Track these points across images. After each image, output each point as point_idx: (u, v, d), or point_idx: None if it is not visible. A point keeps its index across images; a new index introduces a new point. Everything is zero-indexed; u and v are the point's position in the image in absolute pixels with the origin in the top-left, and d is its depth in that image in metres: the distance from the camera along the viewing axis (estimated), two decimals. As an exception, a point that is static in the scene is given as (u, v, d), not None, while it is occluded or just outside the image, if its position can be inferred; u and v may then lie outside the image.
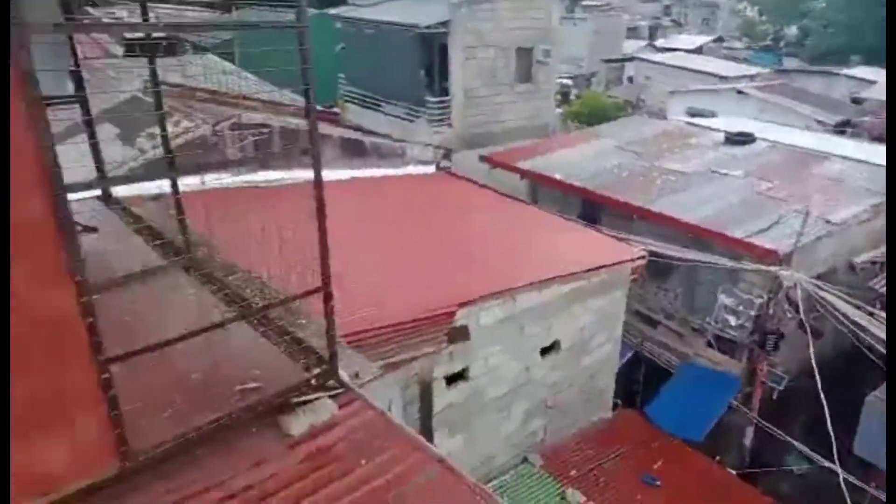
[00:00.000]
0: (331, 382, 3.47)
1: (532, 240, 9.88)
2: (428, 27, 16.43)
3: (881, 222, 12.67)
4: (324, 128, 15.14)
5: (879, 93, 27.53)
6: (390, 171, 12.74)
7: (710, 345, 11.52)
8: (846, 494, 8.61)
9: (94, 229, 4.14)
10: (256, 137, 10.46)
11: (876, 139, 21.12)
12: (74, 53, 4.50)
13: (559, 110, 25.09)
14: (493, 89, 17.91)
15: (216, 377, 3.31)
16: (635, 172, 14.29)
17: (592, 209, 13.68)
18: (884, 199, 12.83)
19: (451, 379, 7.63)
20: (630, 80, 37.23)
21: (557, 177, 14.07)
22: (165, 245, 4.37)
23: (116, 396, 2.62)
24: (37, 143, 2.28)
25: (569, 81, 33.91)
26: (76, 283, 2.44)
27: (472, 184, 12.59)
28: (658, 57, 36.17)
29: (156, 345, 2.83)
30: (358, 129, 15.70)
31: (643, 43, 45.69)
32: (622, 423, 10.10)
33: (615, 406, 10.49)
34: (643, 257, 9.89)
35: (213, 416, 3.05)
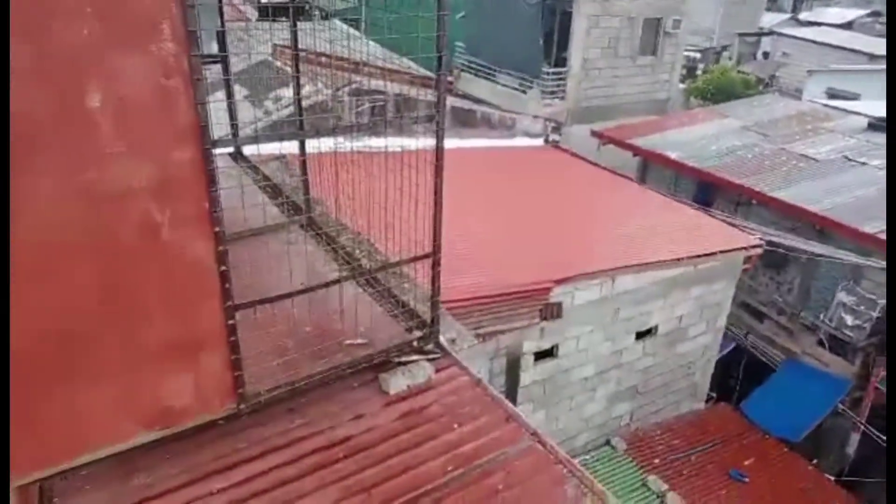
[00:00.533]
0: (430, 346, 3.66)
1: (638, 220, 9.62)
2: (550, -7, 16.12)
3: None
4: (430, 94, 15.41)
5: None
6: (498, 143, 12.82)
7: (821, 343, 10.77)
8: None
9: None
10: (373, 104, 10.88)
11: None
12: (221, 15, 4.89)
13: (682, 85, 23.77)
14: (612, 61, 17.31)
15: (324, 330, 3.59)
16: (760, 155, 13.41)
17: (707, 192, 13.05)
18: None
19: (540, 355, 7.73)
20: (765, 55, 34.41)
21: (673, 156, 13.51)
22: (286, 203, 4.77)
23: (238, 341, 2.91)
24: (193, 98, 2.51)
25: (696, 55, 31.94)
26: (215, 233, 2.71)
27: (580, 159, 12.40)
28: (800, 32, 33.13)
29: (276, 296, 3.13)
30: (469, 98, 15.82)
31: (785, 16, 41.88)
32: (715, 417, 9.79)
33: (709, 398, 10.16)
34: (759, 246, 9.39)
35: (320, 367, 3.31)
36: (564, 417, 8.33)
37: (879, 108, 16.63)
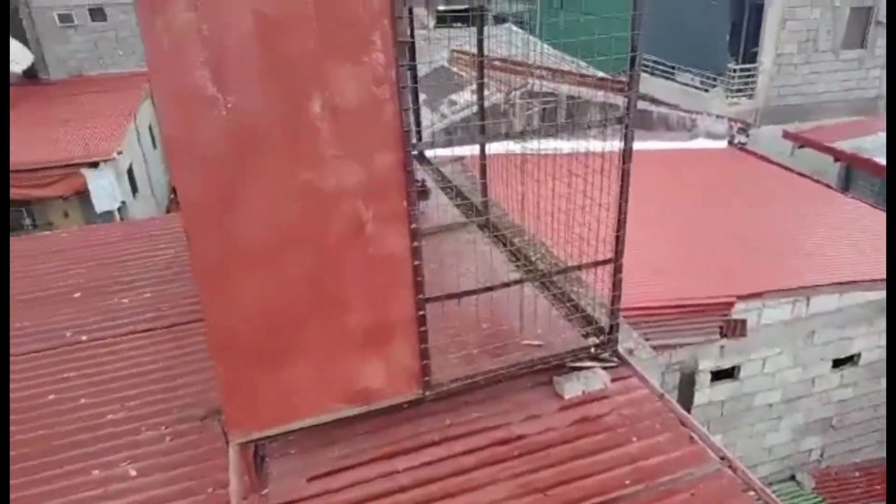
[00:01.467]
0: (606, 354, 3.59)
1: (837, 234, 8.60)
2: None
3: None
4: (610, 96, 14.97)
5: None
6: (677, 145, 12.15)
7: None
8: None
9: (426, 193, 4.78)
10: (545, 106, 10.85)
11: None
12: (411, 26, 5.21)
13: None
14: (811, 56, 15.64)
15: (502, 329, 3.66)
16: None
17: (927, 204, 11.26)
18: None
19: (718, 375, 7.19)
20: None
21: (882, 161, 11.84)
22: (465, 204, 4.93)
23: (426, 332, 3.10)
24: (398, 105, 2.71)
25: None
26: (411, 230, 2.92)
27: (770, 163, 11.35)
28: None
29: (462, 293, 3.28)
30: (644, 97, 15.13)
31: None
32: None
33: (921, 443, 8.76)
34: None
35: (498, 365, 3.39)
36: (742, 444, 7.67)
37: None
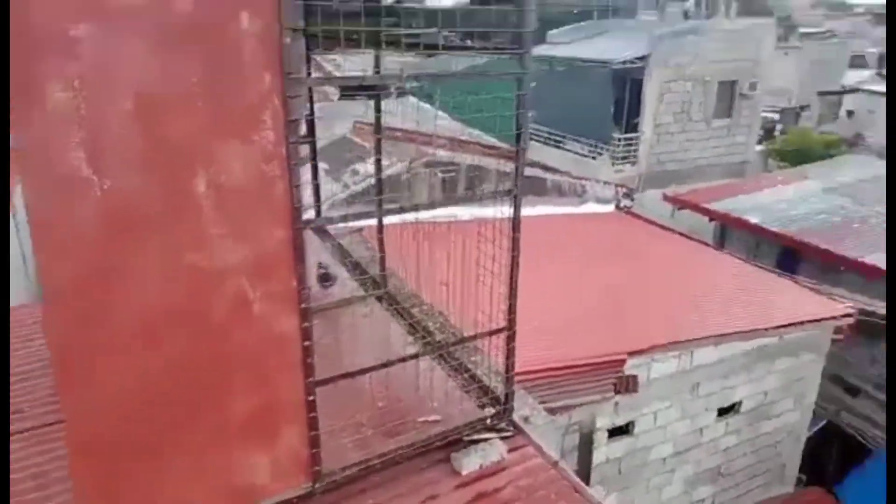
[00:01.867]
0: (503, 424, 3.63)
1: (716, 288, 9.32)
2: (623, 62, 16.39)
3: None
4: (506, 165, 15.74)
5: None
6: (568, 210, 12.84)
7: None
8: None
9: (332, 280, 4.75)
10: (445, 175, 11.23)
11: None
12: (311, 101, 5.30)
13: (760, 147, 23.23)
14: (686, 125, 17.29)
15: (398, 407, 3.62)
16: (849, 219, 12.81)
17: (791, 258, 12.49)
18: None
19: (614, 432, 7.45)
20: (849, 114, 33.18)
21: (753, 220, 13.10)
22: (363, 276, 4.96)
23: (316, 418, 2.97)
24: (289, 182, 2.72)
25: (774, 116, 31.24)
26: (301, 309, 2.86)
27: (653, 225, 12.21)
28: (885, 87, 31.87)
29: (356, 371, 3.22)
30: (539, 166, 16.01)
31: (870, 72, 40.47)
32: (806, 502, 9.02)
33: (798, 482, 9.41)
34: (849, 315, 8.84)
35: (394, 446, 3.31)
36: (640, 500, 7.90)
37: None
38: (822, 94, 34.63)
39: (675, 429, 7.84)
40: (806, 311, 8.58)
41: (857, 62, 41.85)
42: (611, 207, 13.56)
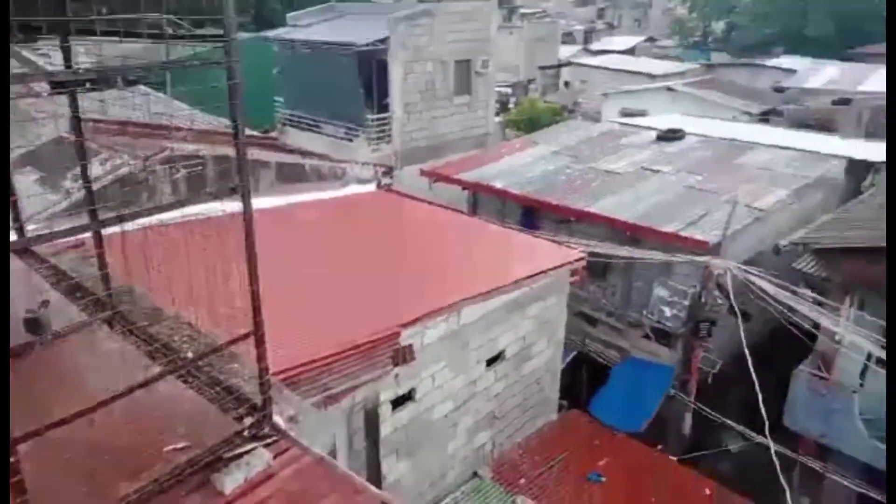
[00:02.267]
0: (265, 431, 3.47)
1: (474, 252, 10.08)
2: (366, 45, 16.61)
3: (805, 205, 13.43)
4: (262, 154, 15.14)
5: (799, 81, 28.97)
6: (330, 194, 12.79)
7: (647, 337, 11.98)
8: (777, 466, 9.13)
9: (38, 325, 4.00)
10: (190, 170, 10.41)
11: (798, 126, 22.25)
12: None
13: (498, 119, 25.52)
14: (432, 103, 18.20)
15: (141, 441, 3.26)
16: (572, 176, 14.71)
17: (532, 215, 14.03)
18: (808, 182, 13.62)
19: (398, 402, 7.73)
20: (566, 84, 38.13)
21: (497, 185, 14.38)
22: (87, 298, 4.34)
23: (23, 481, 2.50)
24: None
25: (507, 90, 34.50)
26: None
27: (413, 200, 12.75)
28: (592, 60, 37.17)
29: (72, 416, 2.77)
30: (297, 152, 15.72)
31: (578, 47, 46.83)
32: (568, 425, 10.40)
33: (561, 408, 10.79)
34: (582, 259, 10.20)
35: (137, 486, 2.97)
36: (430, 459, 8.35)
37: (664, 122, 19.10)
38: (542, 68, 39.14)
39: (452, 386, 8.39)
40: (547, 261, 9.70)
41: (567, 39, 48.09)
42: (372, 187, 13.82)
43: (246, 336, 3.41)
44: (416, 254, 9.70)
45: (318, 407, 4.81)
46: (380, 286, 8.41)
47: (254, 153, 13.18)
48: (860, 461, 9.99)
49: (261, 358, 3.42)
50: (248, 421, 3.43)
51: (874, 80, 27.06)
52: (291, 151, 15.82)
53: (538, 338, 9.79)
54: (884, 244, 9.27)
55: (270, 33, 20.10)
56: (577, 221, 13.05)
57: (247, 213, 3.27)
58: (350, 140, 17.36)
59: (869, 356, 9.85)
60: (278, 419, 3.59)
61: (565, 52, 43.27)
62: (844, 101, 23.22)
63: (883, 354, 9.21)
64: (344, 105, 17.40)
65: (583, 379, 12.74)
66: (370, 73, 17.58)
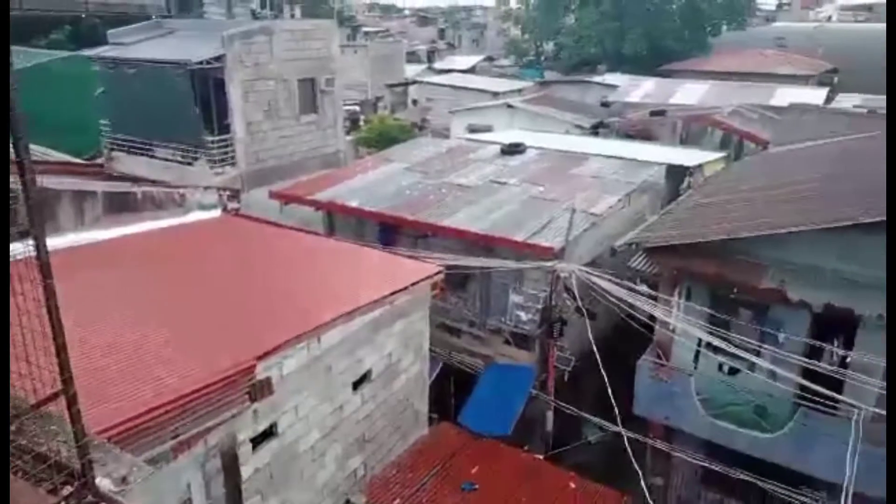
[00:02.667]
0: (87, 499, 3.03)
1: (331, 273, 9.82)
2: (200, 63, 15.67)
3: (634, 208, 14.73)
4: (84, 184, 13.66)
5: (621, 96, 31.96)
6: (170, 222, 11.84)
7: (507, 342, 12.44)
8: (630, 451, 9.88)
9: None
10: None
11: (623, 136, 24.52)
12: None
13: (349, 137, 25.36)
14: (277, 122, 17.61)
15: None
16: (425, 191, 14.92)
17: (389, 232, 14.01)
18: (635, 187, 14.95)
19: (258, 439, 7.24)
20: (414, 102, 38.94)
21: (352, 204, 14.20)
22: None
23: None
24: None
25: (356, 108, 34.50)
26: None
27: (264, 223, 12.19)
28: (437, 79, 38.30)
29: None
30: (127, 179, 14.40)
31: (423, 66, 48.10)
32: (439, 438, 10.45)
33: (431, 421, 10.83)
34: (440, 272, 10.32)
35: None
36: (298, 494, 7.93)
37: (507, 137, 20.07)
38: (389, 86, 39.69)
39: (318, 414, 8.05)
40: (407, 277, 9.69)
41: (411, 58, 49.23)
42: (218, 212, 13.01)
43: (52, 397, 2.95)
44: (269, 280, 9.23)
45: (163, 459, 4.31)
46: (231, 318, 7.87)
47: (69, 182, 11.87)
48: (700, 438, 11.05)
49: (74, 420, 2.98)
50: (65, 491, 2.97)
51: (681, 93, 30.60)
52: (120, 179, 14.45)
53: (404, 354, 9.74)
54: (701, 239, 10.42)
55: (91, 52, 18.32)
56: (433, 236, 13.23)
57: (42, 258, 2.82)
58: (190, 164, 16.27)
59: (700, 341, 10.95)
60: (106, 483, 3.15)
61: (411, 70, 44.27)
62: (660, 113, 25.95)
63: (710, 339, 10.29)
64: (180, 127, 16.27)
65: (451, 390, 12.89)
66: (207, 92, 16.63)
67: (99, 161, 17.30)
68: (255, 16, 18.47)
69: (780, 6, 66.92)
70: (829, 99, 30.07)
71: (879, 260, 8.49)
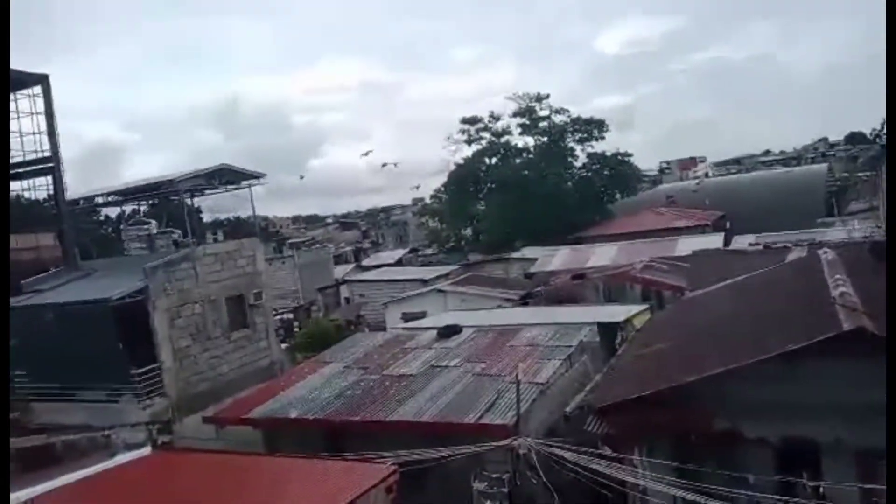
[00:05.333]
0: None
1: (276, 495, 9.05)
2: (122, 298, 15.55)
3: (577, 370, 14.82)
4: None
5: (542, 266, 33.80)
6: (97, 468, 10.81)
7: (480, 541, 11.41)
8: None
9: None
10: None
11: (552, 302, 25.47)
12: None
13: (284, 345, 25.03)
14: (206, 343, 17.31)
15: None
16: (368, 388, 14.54)
17: (336, 438, 13.28)
18: (573, 349, 15.17)
19: None
20: (347, 300, 39.57)
21: (292, 415, 13.55)
22: None
23: None
24: None
25: (290, 315, 34.57)
26: None
27: (198, 452, 11.37)
28: (366, 275, 39.53)
29: None
30: (46, 430, 13.34)
31: (351, 266, 49.76)
32: None
33: None
34: (394, 472, 9.70)
35: None
36: None
37: (441, 320, 20.38)
38: (321, 289, 40.44)
39: None
40: (357, 484, 9.03)
41: (338, 260, 51.04)
42: (148, 450, 12.05)
43: None
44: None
45: None
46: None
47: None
48: None
49: None
50: None
51: (595, 256, 32.81)
52: (39, 431, 13.36)
53: (367, 575, 8.70)
54: (645, 393, 10.45)
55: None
56: (383, 433, 12.64)
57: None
58: (115, 402, 15.37)
59: (675, 499, 10.46)
60: None
61: (340, 271, 45.61)
62: (580, 276, 27.39)
63: (679, 493, 9.86)
64: (103, 365, 15.63)
65: None
66: (130, 326, 16.32)
67: (13, 415, 16.03)
68: (177, 245, 18.93)
69: (661, 171, 75.72)
70: (727, 242, 32.96)
71: (823, 384, 8.71)
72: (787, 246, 26.55)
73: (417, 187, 66.63)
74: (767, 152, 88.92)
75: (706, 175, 66.03)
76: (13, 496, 8.51)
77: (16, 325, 17.01)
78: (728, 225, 39.24)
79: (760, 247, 29.10)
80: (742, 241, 32.09)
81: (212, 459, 10.67)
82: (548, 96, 52.12)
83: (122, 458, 11.55)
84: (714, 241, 32.64)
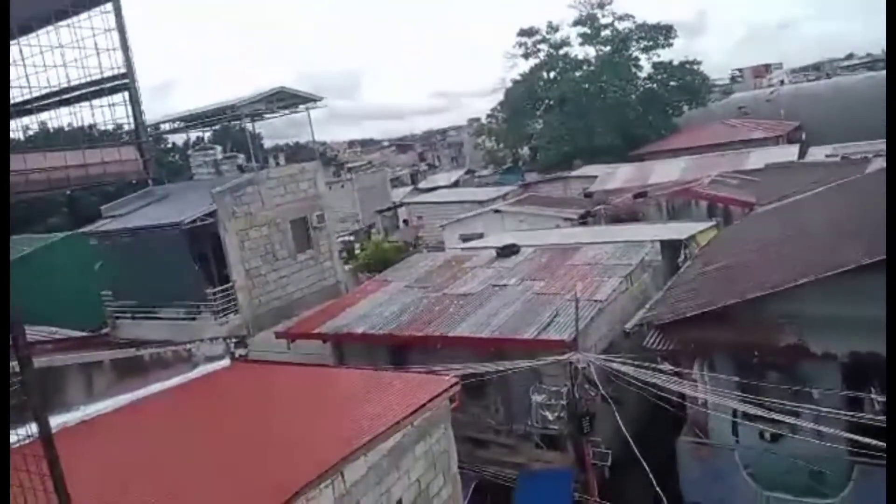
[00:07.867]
0: None
1: (345, 404, 9.59)
2: (192, 222, 16.27)
3: (637, 288, 14.71)
4: (91, 355, 13.64)
5: (601, 184, 32.99)
6: (179, 379, 11.73)
7: (538, 446, 11.89)
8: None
9: None
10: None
11: (612, 221, 25.04)
12: None
13: (347, 266, 25.80)
14: (275, 264, 18.02)
15: None
16: (428, 305, 14.95)
17: (399, 352, 13.88)
18: (633, 267, 15.02)
19: None
20: (405, 223, 40.06)
21: (358, 331, 14.16)
22: None
23: None
24: None
25: (350, 238, 35.40)
26: None
27: (273, 364, 12.10)
28: (423, 197, 39.70)
29: None
30: (133, 344, 14.42)
31: (408, 188, 50.00)
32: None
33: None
34: (456, 384, 10.08)
35: None
36: None
37: (500, 240, 20.44)
38: (379, 212, 41.00)
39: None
40: (422, 395, 9.46)
41: (396, 183, 51.33)
42: (226, 362, 12.92)
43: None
44: (285, 422, 9.00)
45: None
46: (251, 467, 7.58)
47: (75, 356, 11.89)
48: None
49: None
50: None
51: (658, 173, 31.66)
52: (127, 345, 14.47)
53: (433, 477, 9.28)
54: (710, 308, 10.32)
55: (86, 228, 19.07)
56: (444, 348, 13.08)
57: (45, 432, 2.78)
58: (193, 319, 16.41)
59: (734, 412, 10.52)
60: None
61: (398, 193, 45.96)
62: (642, 194, 26.64)
63: (743, 407, 9.89)
64: (180, 285, 16.59)
65: (489, 507, 12.15)
66: (204, 247, 17.15)
67: (104, 331, 17.44)
68: (241, 170, 19.43)
69: (733, 79, 70.94)
70: (802, 153, 31.10)
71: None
72: (866, 157, 24.88)
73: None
74: (850, 56, 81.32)
75: (781, 83, 61.56)
76: (113, 401, 9.39)
77: (99, 248, 18.24)
78: (804, 136, 36.91)
79: (838, 158, 27.39)
80: (819, 153, 30.24)
81: (288, 370, 11.37)
82: (611, 1, 49.05)
83: (204, 368, 12.44)
84: (789, 153, 30.85)
